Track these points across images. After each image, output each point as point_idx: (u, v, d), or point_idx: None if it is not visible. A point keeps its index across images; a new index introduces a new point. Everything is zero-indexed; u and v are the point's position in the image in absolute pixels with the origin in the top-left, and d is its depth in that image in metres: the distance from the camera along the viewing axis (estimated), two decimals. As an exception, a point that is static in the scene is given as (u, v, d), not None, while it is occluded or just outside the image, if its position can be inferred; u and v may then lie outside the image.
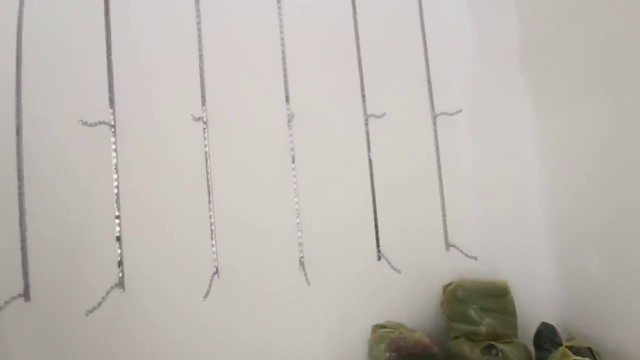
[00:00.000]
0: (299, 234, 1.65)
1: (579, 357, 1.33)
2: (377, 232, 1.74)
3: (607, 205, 1.45)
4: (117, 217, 1.45)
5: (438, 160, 1.81)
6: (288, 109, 1.68)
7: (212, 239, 1.55)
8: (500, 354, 1.47)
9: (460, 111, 1.72)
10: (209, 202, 1.55)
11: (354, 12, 1.79)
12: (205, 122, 1.56)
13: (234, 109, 1.64)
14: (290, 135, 1.68)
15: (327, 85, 1.76)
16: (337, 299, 1.71)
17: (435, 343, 1.56)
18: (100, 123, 1.40)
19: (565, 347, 1.41)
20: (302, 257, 1.65)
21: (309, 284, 1.59)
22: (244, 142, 1.65)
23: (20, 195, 1.37)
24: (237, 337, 1.59)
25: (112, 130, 1.46)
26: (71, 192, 1.45)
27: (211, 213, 1.55)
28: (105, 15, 1.50)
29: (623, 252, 1.40)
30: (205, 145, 1.57)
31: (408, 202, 1.81)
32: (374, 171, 1.76)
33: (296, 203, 1.65)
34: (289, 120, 1.68)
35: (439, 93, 1.83)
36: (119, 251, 1.44)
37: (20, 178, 1.37)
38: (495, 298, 1.62)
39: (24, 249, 1.36)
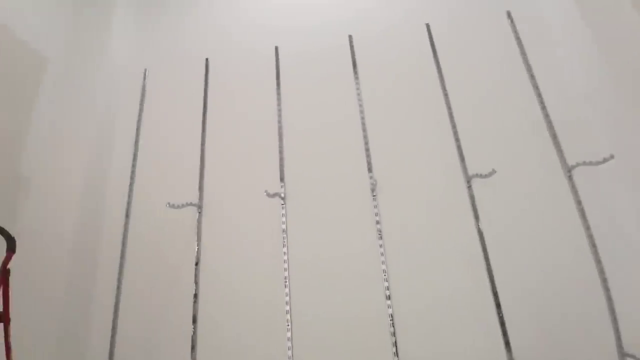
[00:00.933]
0: (391, 321, 1.29)
1: None
2: (504, 329, 1.24)
3: None
4: (195, 296, 1.40)
5: (587, 227, 1.29)
6: (371, 177, 1.50)
7: (288, 331, 1.33)
8: None
9: (612, 157, 1.22)
10: (285, 286, 1.38)
11: (438, 67, 1.63)
12: (283, 198, 1.49)
13: (313, 183, 1.54)
14: (375, 206, 1.46)
15: (415, 147, 1.54)
16: None
17: None
18: (187, 205, 1.46)
19: None
20: (396, 351, 1.25)
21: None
22: (323, 219, 1.49)
23: (120, 275, 1.46)
24: None
25: (199, 210, 1.51)
26: (160, 272, 1.48)
27: (287, 299, 1.36)
28: (203, 116, 1.71)
29: None
30: (283, 223, 1.47)
31: (546, 286, 1.28)
32: (487, 245, 1.34)
33: (387, 288, 1.34)
34: (373, 190, 1.48)
35: (569, 139, 1.40)
36: (192, 333, 1.35)
37: (122, 258, 1.48)
38: None
39: (113, 337, 1.38)
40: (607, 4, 1.39)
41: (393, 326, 1.29)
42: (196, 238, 1.48)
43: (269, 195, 1.41)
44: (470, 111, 1.54)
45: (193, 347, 1.34)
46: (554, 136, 1.41)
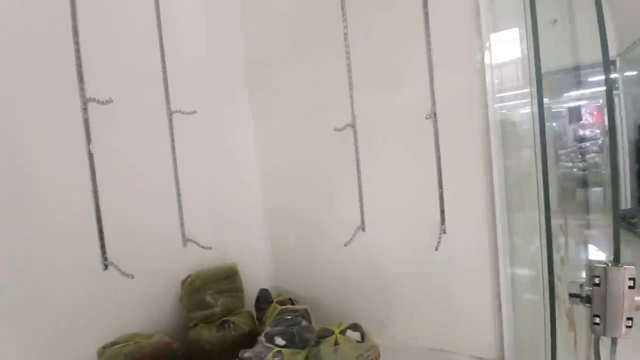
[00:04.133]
0: None
1: (284, 307, 1.81)
2: (102, 238, 1.49)
3: (299, 198, 2.05)
4: None
5: (174, 157, 1.80)
6: None
7: None
8: (232, 325, 1.70)
9: (195, 112, 1.81)
10: None
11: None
12: None
13: None
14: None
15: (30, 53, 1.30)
16: (43, 331, 1.31)
17: (178, 338, 1.57)
18: None
19: (276, 302, 1.86)
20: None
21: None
22: None
23: None
24: None
25: None
26: None
27: None
28: None
29: (309, 232, 2.02)
30: None
31: (141, 200, 1.67)
32: (96, 167, 1.49)
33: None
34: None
35: (175, 91, 1.81)
36: None
37: None
38: (227, 280, 1.85)
39: None
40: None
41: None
42: None
43: None
44: (100, 38, 1.53)
45: None
46: (166, 85, 1.77)
